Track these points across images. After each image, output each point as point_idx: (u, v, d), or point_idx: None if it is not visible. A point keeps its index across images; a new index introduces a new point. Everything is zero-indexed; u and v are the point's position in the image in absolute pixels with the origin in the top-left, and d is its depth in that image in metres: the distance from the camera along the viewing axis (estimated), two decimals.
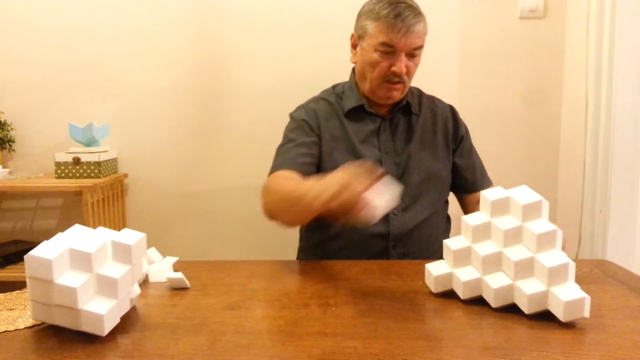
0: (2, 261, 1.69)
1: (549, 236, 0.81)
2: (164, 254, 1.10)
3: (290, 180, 1.13)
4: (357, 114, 1.30)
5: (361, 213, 0.85)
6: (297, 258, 1.42)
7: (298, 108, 1.36)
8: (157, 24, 1.88)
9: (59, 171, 1.77)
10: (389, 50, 1.20)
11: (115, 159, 1.90)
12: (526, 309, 0.80)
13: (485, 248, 0.86)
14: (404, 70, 1.21)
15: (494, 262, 0.85)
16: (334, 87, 1.40)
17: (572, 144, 1.85)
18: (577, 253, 1.80)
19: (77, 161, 1.75)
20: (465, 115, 1.43)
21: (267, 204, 1.15)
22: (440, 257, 1.33)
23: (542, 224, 0.82)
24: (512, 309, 0.83)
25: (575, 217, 1.81)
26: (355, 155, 1.26)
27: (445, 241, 0.92)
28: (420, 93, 1.39)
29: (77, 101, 1.91)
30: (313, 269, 1.08)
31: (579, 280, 0.99)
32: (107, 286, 0.74)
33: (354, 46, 1.31)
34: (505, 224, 0.84)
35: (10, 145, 1.88)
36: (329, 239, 1.29)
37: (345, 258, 1.23)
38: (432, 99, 1.40)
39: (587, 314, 0.77)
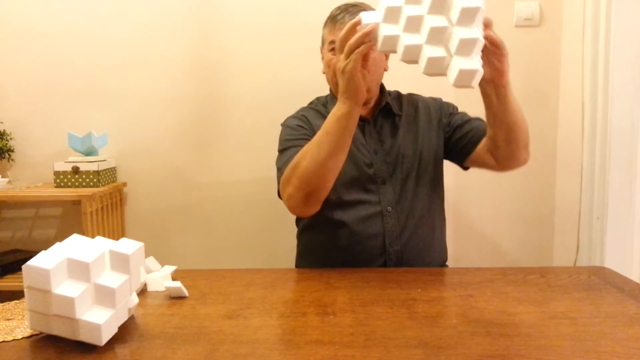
0: (0, 270, 1.69)
1: (471, 11, 0.86)
2: (163, 262, 1.10)
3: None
4: None
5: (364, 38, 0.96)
6: (296, 264, 1.42)
7: (288, 118, 1.40)
8: (155, 33, 1.89)
9: (57, 180, 1.77)
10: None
11: (114, 168, 1.90)
12: (423, 68, 0.89)
13: (413, 10, 0.91)
14: None
15: (416, 24, 0.91)
16: (318, 98, 1.45)
17: (569, 151, 1.86)
18: (575, 260, 1.80)
19: (76, 170, 1.76)
20: None
21: (301, 174, 1.12)
22: (439, 253, 1.33)
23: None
24: (509, 316, 0.83)
25: (573, 224, 1.81)
26: (349, 154, 1.25)
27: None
28: (399, 94, 1.42)
29: (76, 110, 1.92)
30: (311, 277, 1.08)
31: (576, 287, 0.99)
32: (105, 296, 0.75)
33: (322, 58, 1.37)
34: None
35: (9, 154, 1.89)
36: (326, 242, 1.29)
37: (344, 260, 1.23)
38: (411, 95, 1.42)
39: (474, 84, 0.87)
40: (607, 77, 1.63)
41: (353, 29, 0.99)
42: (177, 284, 0.96)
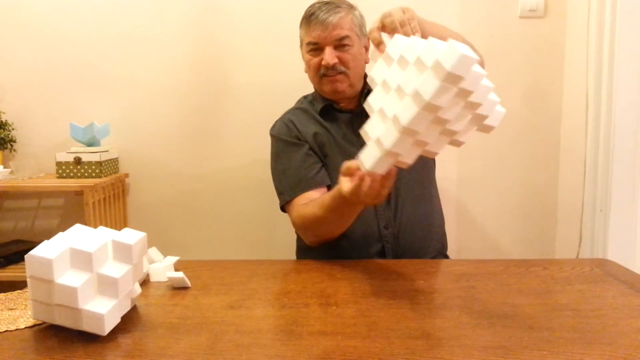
0: (3, 261, 1.69)
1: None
2: (165, 253, 1.10)
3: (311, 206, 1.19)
4: (329, 113, 1.35)
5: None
6: (297, 257, 1.43)
7: (276, 123, 1.41)
8: (157, 24, 1.88)
9: (60, 171, 1.77)
10: (316, 48, 1.29)
11: (116, 158, 1.90)
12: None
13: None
14: (332, 61, 1.27)
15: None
16: (305, 96, 1.46)
17: (572, 143, 1.85)
18: (578, 252, 1.80)
19: (78, 161, 1.75)
20: None
21: (316, 234, 1.22)
22: (437, 234, 1.34)
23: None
24: (512, 308, 0.83)
25: (576, 217, 1.81)
26: (341, 150, 1.30)
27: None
28: None
29: (78, 101, 1.91)
30: (313, 268, 1.08)
31: (579, 279, 0.99)
32: (107, 286, 0.75)
33: (303, 57, 1.38)
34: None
35: (11, 145, 1.89)
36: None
37: (343, 250, 1.25)
38: None
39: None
40: (612, 69, 1.62)
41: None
42: (180, 274, 0.96)
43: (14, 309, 0.86)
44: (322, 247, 1.29)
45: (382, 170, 0.85)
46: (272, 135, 1.39)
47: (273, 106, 1.88)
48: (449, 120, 0.78)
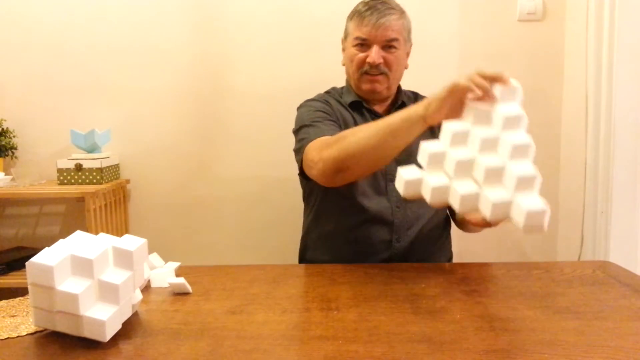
0: (5, 268, 1.69)
1: (523, 148, 0.86)
2: (166, 259, 1.10)
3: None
4: (358, 109, 1.34)
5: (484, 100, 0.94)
6: (300, 257, 1.43)
7: (308, 100, 1.37)
8: (157, 30, 1.89)
9: (61, 177, 1.77)
10: (363, 44, 1.28)
11: (117, 165, 1.90)
12: (489, 215, 0.83)
13: (460, 153, 0.88)
14: (378, 60, 1.27)
15: (466, 168, 0.88)
16: (334, 88, 1.45)
17: (573, 146, 1.85)
18: (580, 254, 1.80)
19: (79, 167, 1.76)
20: None
21: (345, 145, 1.08)
22: (444, 254, 1.34)
23: (519, 135, 0.87)
24: (513, 311, 0.82)
25: (577, 219, 1.81)
26: None
27: (423, 144, 0.94)
28: (415, 95, 1.43)
29: (79, 108, 1.92)
30: (315, 273, 1.08)
31: (581, 281, 0.99)
32: (108, 292, 0.75)
33: (343, 50, 1.38)
34: (484, 132, 0.88)
35: (12, 152, 1.89)
36: (335, 232, 1.30)
37: (351, 251, 1.25)
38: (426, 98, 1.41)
39: (545, 226, 0.80)
40: (611, 72, 1.63)
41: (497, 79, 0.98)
42: (181, 280, 0.96)
43: (15, 315, 0.86)
44: (331, 248, 1.30)
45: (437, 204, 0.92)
46: (302, 105, 1.35)
47: (275, 114, 1.89)
48: None
